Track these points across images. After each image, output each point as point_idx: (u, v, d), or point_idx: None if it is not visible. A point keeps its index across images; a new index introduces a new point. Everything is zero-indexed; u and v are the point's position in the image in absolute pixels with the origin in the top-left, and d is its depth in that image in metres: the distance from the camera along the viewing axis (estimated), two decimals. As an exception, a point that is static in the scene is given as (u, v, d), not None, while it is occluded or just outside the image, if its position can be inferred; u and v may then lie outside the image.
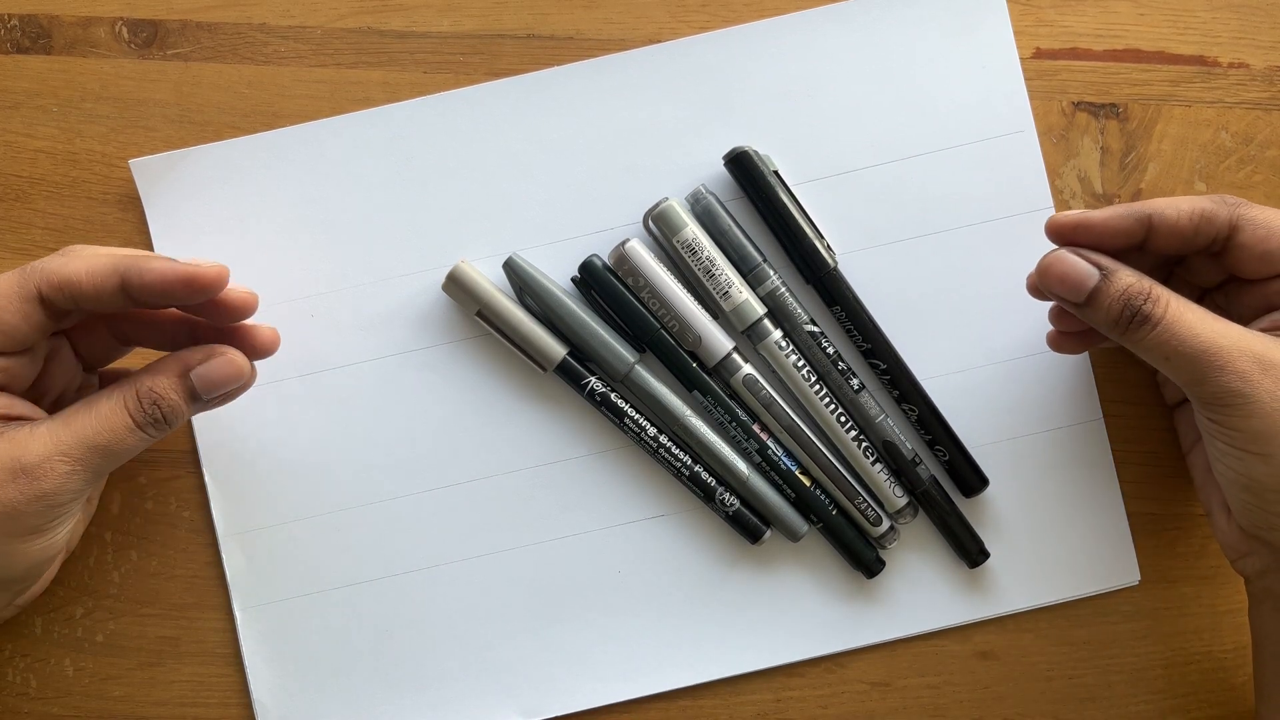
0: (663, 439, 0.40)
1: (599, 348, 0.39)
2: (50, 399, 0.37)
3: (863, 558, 0.40)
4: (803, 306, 0.40)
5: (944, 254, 0.41)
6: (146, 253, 0.35)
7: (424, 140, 0.41)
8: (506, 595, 0.41)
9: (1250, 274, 0.35)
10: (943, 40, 0.41)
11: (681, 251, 0.39)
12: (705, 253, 0.39)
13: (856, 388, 0.40)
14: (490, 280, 0.40)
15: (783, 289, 0.40)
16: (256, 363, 0.37)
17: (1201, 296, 0.39)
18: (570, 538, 0.41)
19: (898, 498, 0.40)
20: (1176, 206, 0.35)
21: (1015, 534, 0.41)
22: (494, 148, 0.41)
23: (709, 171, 0.41)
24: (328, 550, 0.41)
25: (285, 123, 0.41)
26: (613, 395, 0.40)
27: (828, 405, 0.40)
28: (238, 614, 0.41)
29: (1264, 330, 0.34)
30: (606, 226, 0.41)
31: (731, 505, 0.40)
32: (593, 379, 0.40)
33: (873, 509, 0.40)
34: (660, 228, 0.39)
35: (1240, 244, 0.35)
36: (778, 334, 0.40)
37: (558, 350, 0.39)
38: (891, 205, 0.41)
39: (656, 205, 0.39)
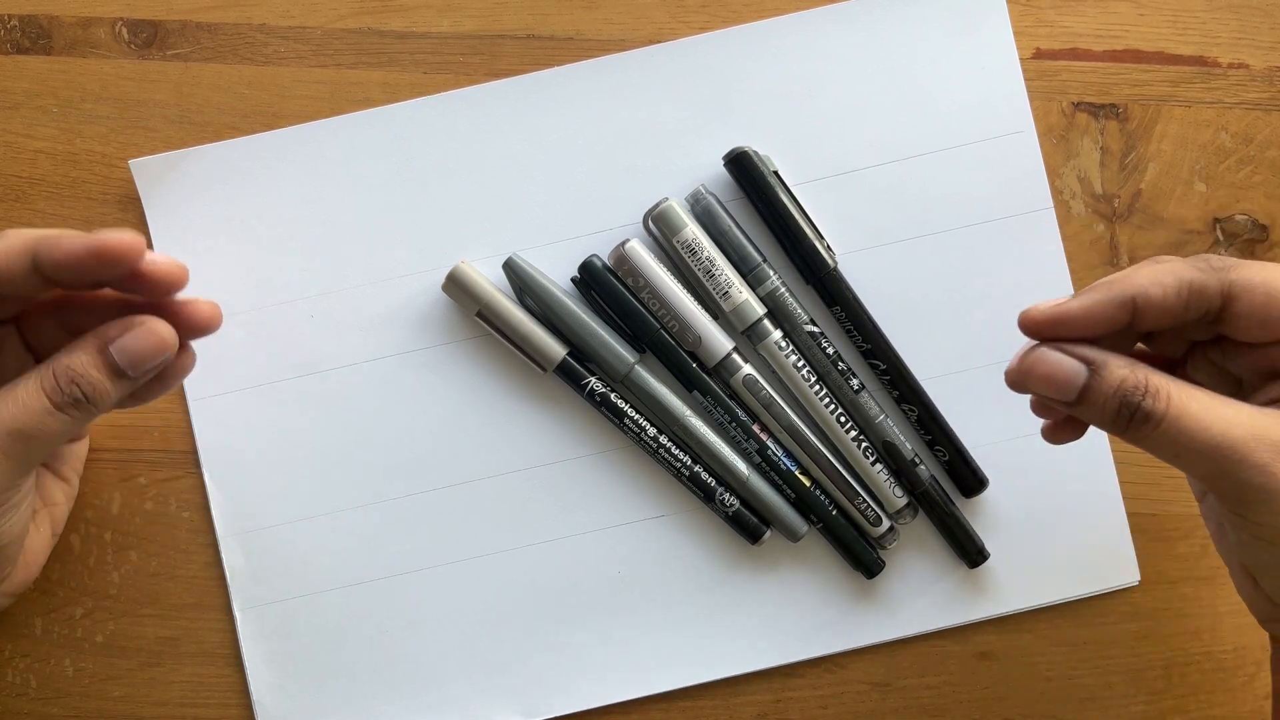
0: (663, 439, 0.40)
1: (599, 348, 0.39)
2: None
3: (863, 558, 0.40)
4: (802, 307, 0.40)
5: (944, 254, 0.41)
6: (66, 230, 0.32)
7: (424, 141, 0.41)
8: (506, 595, 0.41)
9: (1250, 339, 0.31)
10: (943, 40, 0.41)
11: (681, 252, 0.39)
12: (705, 253, 0.39)
13: (856, 388, 0.40)
14: (490, 280, 0.40)
15: (782, 289, 0.40)
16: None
17: (1191, 348, 0.35)
18: (570, 538, 0.41)
19: (897, 498, 0.40)
20: (1160, 283, 0.31)
21: (1015, 534, 0.41)
22: (494, 148, 0.41)
23: (709, 172, 0.41)
24: (328, 550, 0.41)
25: (285, 123, 0.41)
26: (613, 395, 0.40)
27: (827, 405, 0.40)
28: (237, 614, 0.41)
29: (1272, 402, 0.31)
30: (606, 227, 0.41)
31: (731, 505, 0.40)
32: (593, 379, 0.40)
33: (872, 509, 0.40)
34: (660, 228, 0.39)
35: (1238, 313, 0.31)
36: (777, 334, 0.40)
37: (558, 350, 0.39)
38: (891, 205, 0.41)
39: (656, 205, 0.39)
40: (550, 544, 0.41)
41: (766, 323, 0.39)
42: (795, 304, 0.40)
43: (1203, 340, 0.34)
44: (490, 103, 0.41)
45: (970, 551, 0.40)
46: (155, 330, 0.32)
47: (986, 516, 0.41)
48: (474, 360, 0.41)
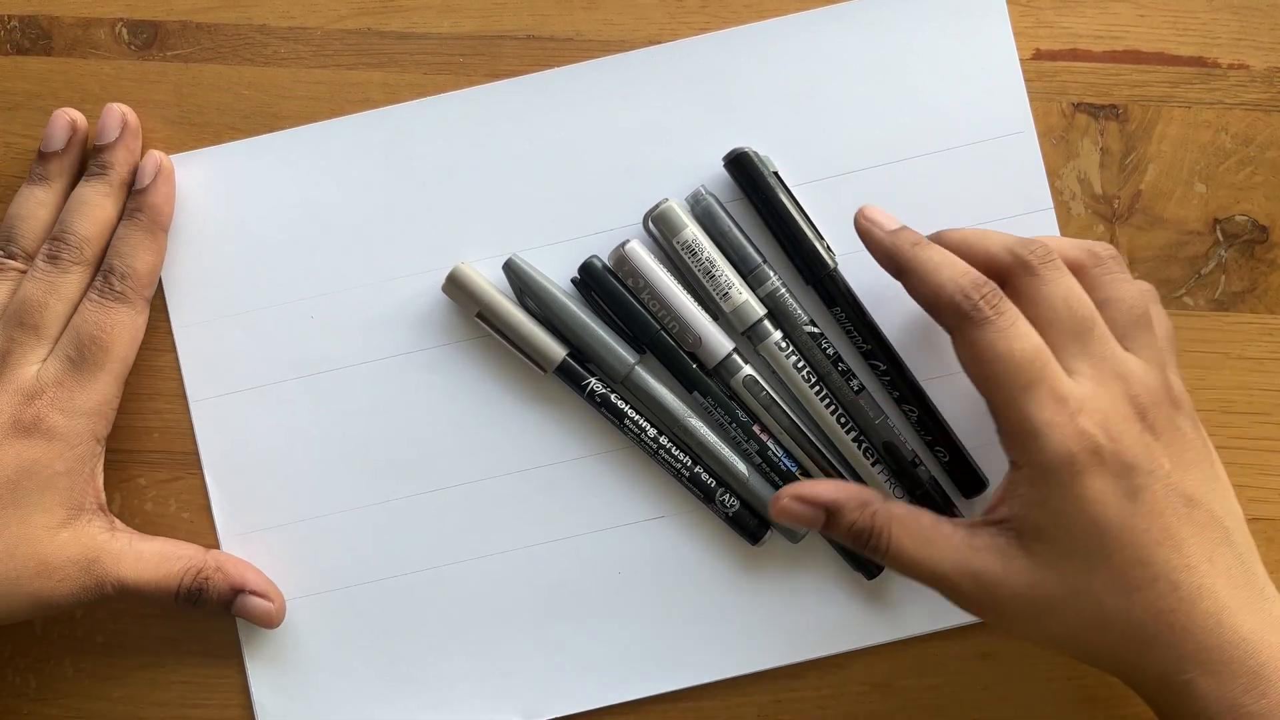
0: (663, 440, 0.40)
1: (599, 349, 0.39)
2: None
3: (863, 558, 0.40)
4: (802, 307, 0.40)
5: (944, 255, 0.41)
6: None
7: (424, 141, 0.41)
8: (507, 596, 0.41)
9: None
10: (943, 41, 0.41)
11: (681, 252, 0.39)
12: (705, 254, 0.39)
13: (856, 389, 0.40)
14: (490, 281, 0.40)
15: (782, 290, 0.40)
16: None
17: None
18: (570, 539, 0.41)
19: (898, 498, 0.40)
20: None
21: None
22: (494, 149, 0.41)
23: (709, 172, 0.41)
24: (328, 551, 0.41)
25: (286, 124, 0.41)
26: (613, 396, 0.40)
27: (828, 406, 0.40)
28: (238, 615, 0.41)
29: (992, 521, 0.34)
30: (606, 227, 0.41)
31: (732, 506, 0.40)
32: (593, 380, 0.40)
33: (873, 510, 0.40)
34: (660, 229, 0.39)
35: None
36: (777, 335, 0.40)
37: (558, 351, 0.39)
38: (892, 206, 0.41)
39: (656, 206, 0.39)
40: (550, 545, 0.41)
41: (767, 323, 0.40)
42: (795, 305, 0.40)
43: None
44: (490, 103, 0.41)
45: (970, 552, 0.40)
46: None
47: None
48: (474, 361, 0.41)
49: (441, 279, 0.40)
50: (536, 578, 0.41)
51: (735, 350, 0.40)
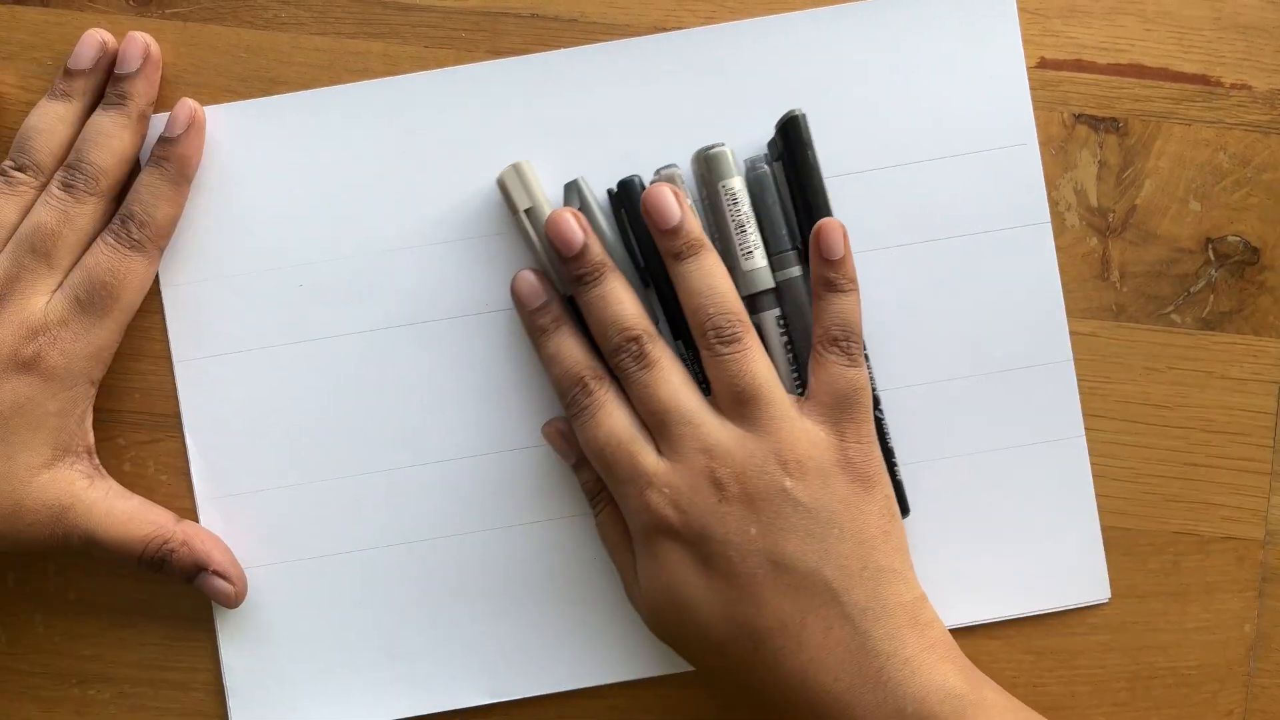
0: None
1: None
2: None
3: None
4: (810, 299, 0.39)
5: (939, 261, 0.41)
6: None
7: (424, 115, 0.41)
8: (482, 575, 0.41)
9: None
10: (953, 46, 0.41)
11: (724, 198, 0.39)
12: (745, 208, 0.39)
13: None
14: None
15: (801, 281, 0.39)
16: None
17: None
18: (548, 521, 0.41)
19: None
20: None
21: (990, 544, 0.41)
22: (492, 127, 0.41)
23: (706, 163, 0.41)
24: (304, 521, 0.41)
25: (282, 89, 0.41)
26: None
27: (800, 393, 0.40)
28: (211, 580, 0.41)
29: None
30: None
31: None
32: None
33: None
34: (709, 170, 0.39)
35: None
36: (777, 310, 0.39)
37: None
38: (892, 209, 0.41)
39: (711, 146, 0.39)
40: (528, 526, 0.41)
41: (773, 296, 0.39)
42: (805, 295, 0.39)
43: None
44: (491, 81, 0.41)
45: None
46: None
47: (963, 525, 0.41)
48: (462, 339, 0.41)
49: (436, 253, 0.40)
50: (513, 557, 0.41)
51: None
